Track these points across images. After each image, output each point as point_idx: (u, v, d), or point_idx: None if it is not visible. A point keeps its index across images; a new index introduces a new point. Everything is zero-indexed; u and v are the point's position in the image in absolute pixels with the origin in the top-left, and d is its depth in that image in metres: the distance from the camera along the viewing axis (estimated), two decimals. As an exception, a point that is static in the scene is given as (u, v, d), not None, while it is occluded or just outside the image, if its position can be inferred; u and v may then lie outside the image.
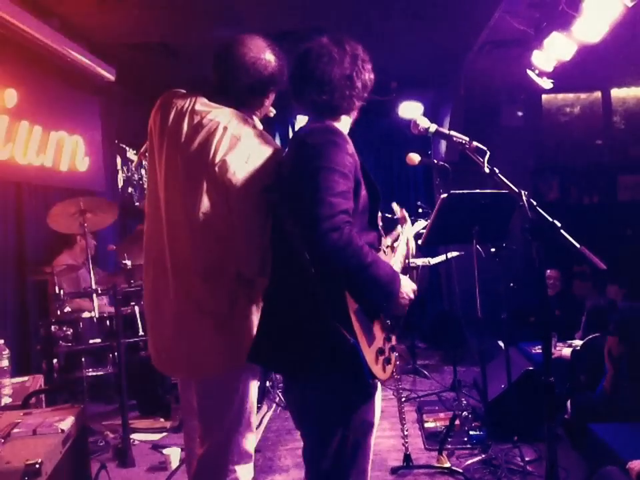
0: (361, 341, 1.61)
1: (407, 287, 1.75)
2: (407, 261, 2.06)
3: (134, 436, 3.89)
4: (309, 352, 1.66)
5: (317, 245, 1.54)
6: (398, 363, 3.17)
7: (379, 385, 1.84)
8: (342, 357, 1.61)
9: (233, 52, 1.96)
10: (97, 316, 4.10)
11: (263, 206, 1.85)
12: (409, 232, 2.13)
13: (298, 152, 1.73)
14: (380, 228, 1.86)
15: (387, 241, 1.92)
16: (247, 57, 1.95)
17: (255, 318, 1.92)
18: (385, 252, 1.89)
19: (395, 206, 2.19)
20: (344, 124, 1.87)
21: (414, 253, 2.14)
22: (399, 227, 2.13)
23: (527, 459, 3.20)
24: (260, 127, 2.00)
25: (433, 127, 2.01)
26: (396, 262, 1.96)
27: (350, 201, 1.62)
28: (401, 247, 2.03)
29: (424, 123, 2.03)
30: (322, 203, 1.55)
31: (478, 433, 3.60)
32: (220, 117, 1.91)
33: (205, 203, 1.86)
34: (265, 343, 1.77)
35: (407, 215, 2.18)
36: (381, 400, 1.90)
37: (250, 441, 2.04)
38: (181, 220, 1.92)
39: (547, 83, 4.83)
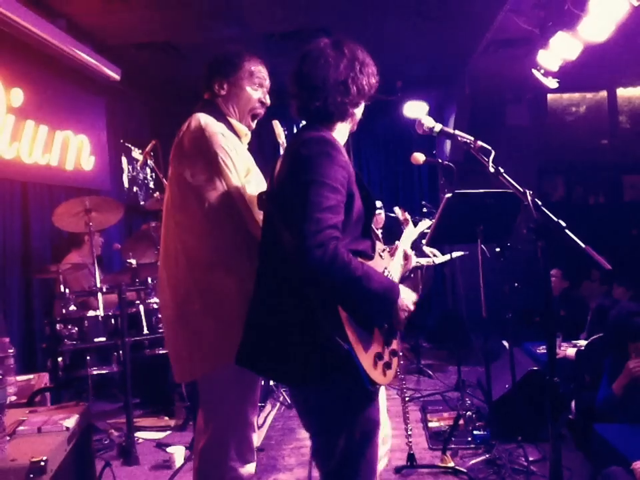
0: (356, 347, 1.57)
1: (407, 298, 1.70)
2: (413, 265, 2.05)
3: (138, 434, 3.90)
4: (305, 361, 1.62)
5: (302, 262, 1.51)
6: (402, 362, 3.18)
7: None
8: (337, 365, 1.57)
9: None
10: (102, 314, 4.11)
11: (226, 201, 1.97)
12: (410, 235, 2.13)
13: (291, 162, 1.68)
14: (374, 235, 1.82)
15: (380, 245, 1.87)
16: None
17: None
18: (381, 256, 1.84)
19: (397, 210, 2.18)
20: (340, 131, 1.81)
21: (414, 256, 2.12)
22: (405, 230, 2.12)
23: (530, 459, 3.19)
24: (218, 128, 2.05)
25: (438, 127, 2.01)
26: (395, 265, 1.94)
27: (339, 214, 1.58)
28: (399, 252, 2.00)
29: (429, 122, 2.02)
30: (309, 218, 1.51)
31: (482, 432, 3.59)
32: (187, 123, 2.08)
33: (183, 203, 2.05)
34: (258, 352, 1.74)
35: (409, 217, 2.16)
36: (385, 399, 1.89)
37: (251, 439, 2.07)
38: (174, 223, 2.09)
39: (552, 83, 4.82)
